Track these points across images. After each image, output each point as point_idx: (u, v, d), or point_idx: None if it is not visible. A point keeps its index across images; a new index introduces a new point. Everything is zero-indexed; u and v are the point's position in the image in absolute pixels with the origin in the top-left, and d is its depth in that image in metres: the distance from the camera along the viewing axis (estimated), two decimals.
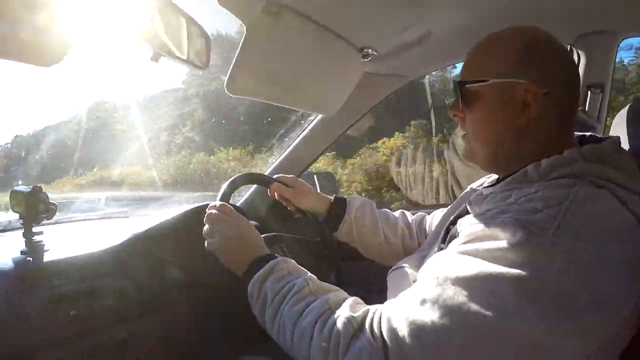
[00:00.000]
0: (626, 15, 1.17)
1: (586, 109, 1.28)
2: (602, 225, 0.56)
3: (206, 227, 0.87)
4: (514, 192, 0.65)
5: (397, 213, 1.20)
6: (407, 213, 1.21)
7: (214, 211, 0.88)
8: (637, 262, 0.55)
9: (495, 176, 0.82)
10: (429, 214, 1.19)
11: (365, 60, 1.23)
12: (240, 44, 0.94)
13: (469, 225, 0.64)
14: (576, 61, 1.27)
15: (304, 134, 1.56)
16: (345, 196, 1.16)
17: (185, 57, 0.90)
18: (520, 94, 0.68)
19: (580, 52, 1.25)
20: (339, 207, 1.12)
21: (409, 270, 0.86)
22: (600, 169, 0.63)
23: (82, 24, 0.60)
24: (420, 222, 1.18)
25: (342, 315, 0.63)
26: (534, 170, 0.66)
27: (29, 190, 0.90)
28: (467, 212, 0.75)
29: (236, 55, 0.95)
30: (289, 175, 1.16)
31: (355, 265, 1.18)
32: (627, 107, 0.91)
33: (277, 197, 1.15)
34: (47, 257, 0.94)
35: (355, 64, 1.26)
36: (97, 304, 0.96)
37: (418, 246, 1.09)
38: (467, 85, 0.73)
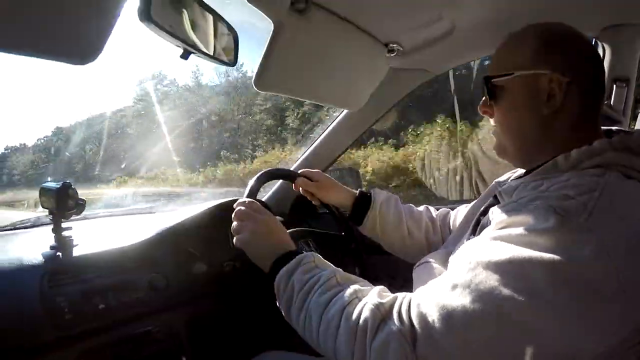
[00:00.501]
0: None
1: (611, 103, 1.25)
2: (632, 215, 0.56)
3: (235, 223, 0.89)
4: (545, 181, 0.65)
5: (421, 208, 1.19)
6: (431, 208, 1.21)
7: (242, 207, 0.90)
8: None
9: (521, 170, 0.82)
10: (452, 209, 1.18)
11: (391, 55, 1.23)
12: (268, 40, 0.95)
13: (500, 213, 0.64)
14: (601, 54, 1.24)
15: (329, 129, 1.57)
16: (370, 190, 1.16)
17: (212, 54, 0.92)
18: (545, 84, 0.69)
19: (605, 45, 1.22)
20: (363, 201, 1.12)
21: (435, 265, 0.86)
22: (629, 159, 0.62)
23: (114, 22, 0.62)
24: (444, 218, 1.18)
25: (369, 302, 0.64)
26: (563, 161, 0.66)
27: (58, 186, 0.92)
28: (498, 202, 0.75)
29: (264, 52, 0.96)
30: (314, 170, 1.18)
31: (380, 259, 1.19)
32: None
33: (302, 192, 1.17)
34: (77, 252, 0.96)
35: (381, 59, 1.26)
36: (125, 297, 0.98)
37: (442, 241, 1.09)
38: (493, 80, 0.74)
